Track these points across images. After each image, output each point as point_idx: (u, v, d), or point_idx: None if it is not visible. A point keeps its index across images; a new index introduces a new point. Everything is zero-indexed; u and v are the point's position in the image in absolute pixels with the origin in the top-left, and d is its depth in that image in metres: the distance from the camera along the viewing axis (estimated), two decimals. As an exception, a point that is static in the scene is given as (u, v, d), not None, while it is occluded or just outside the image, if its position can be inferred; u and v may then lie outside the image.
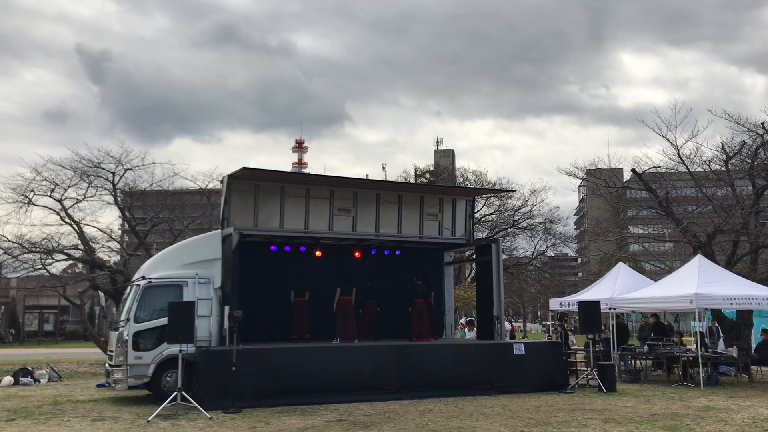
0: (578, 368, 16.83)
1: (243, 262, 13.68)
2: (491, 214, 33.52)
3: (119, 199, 22.15)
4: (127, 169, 21.50)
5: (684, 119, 41.61)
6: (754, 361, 17.13)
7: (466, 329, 20.67)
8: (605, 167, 24.54)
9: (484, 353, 14.13)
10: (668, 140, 20.48)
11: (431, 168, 45.64)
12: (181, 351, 11.67)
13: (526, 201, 32.85)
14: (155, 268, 13.27)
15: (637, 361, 17.40)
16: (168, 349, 12.35)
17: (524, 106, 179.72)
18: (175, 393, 11.48)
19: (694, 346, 16.40)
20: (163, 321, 12.18)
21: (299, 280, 14.82)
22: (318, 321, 14.87)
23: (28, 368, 17.36)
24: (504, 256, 35.25)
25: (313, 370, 12.46)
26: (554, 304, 19.58)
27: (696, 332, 16.57)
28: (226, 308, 12.71)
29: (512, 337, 20.11)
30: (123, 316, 12.81)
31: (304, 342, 14.20)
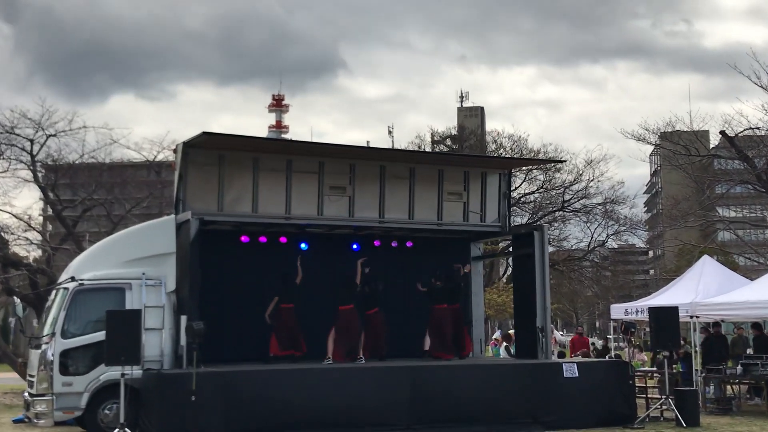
0: (649, 396, 16.88)
1: (205, 258, 13.73)
2: (533, 192, 33.56)
3: (39, 175, 22.38)
4: (50, 136, 21.68)
5: (792, 64, 41.12)
6: None
7: (501, 346, 20.73)
8: (685, 129, 24.51)
9: (525, 377, 14.22)
10: (770, 93, 20.69)
11: (453, 132, 45.65)
12: (123, 375, 11.79)
13: (580, 175, 32.82)
14: (89, 266, 13.37)
15: (729, 387, 17.57)
16: (106, 373, 12.43)
17: (577, 47, 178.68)
18: (117, 431, 11.60)
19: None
20: (100, 336, 12.24)
21: (285, 284, 14.84)
22: (304, 336, 14.95)
23: None
24: (551, 249, 35.24)
25: (299, 400, 12.53)
26: (617, 311, 19.63)
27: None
28: (183, 318, 12.87)
29: (561, 355, 20.18)
30: (47, 330, 12.90)
31: (288, 363, 14.33)
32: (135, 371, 12.01)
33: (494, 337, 23.78)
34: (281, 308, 14.80)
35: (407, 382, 13.32)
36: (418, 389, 13.31)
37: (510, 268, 38.51)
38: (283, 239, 15.62)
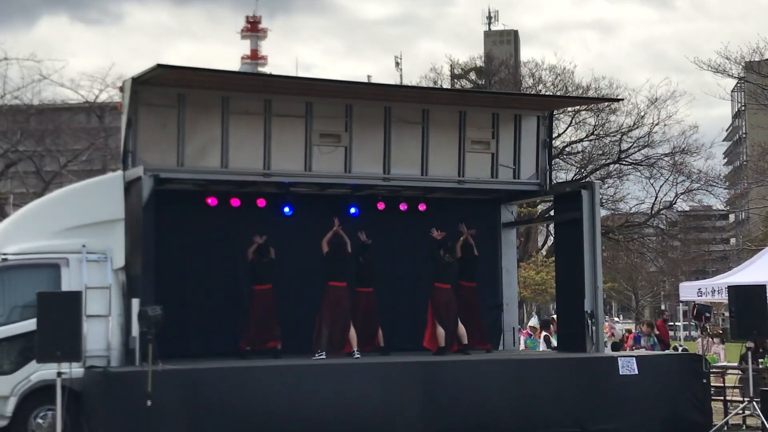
0: (729, 398, 16.93)
1: (162, 226, 13.88)
2: (582, 140, 33.48)
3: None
4: (-41, 70, 21.59)
5: None
6: None
7: (540, 336, 20.77)
8: (777, 58, 24.31)
9: (569, 375, 14.34)
10: None
11: (479, 63, 45.40)
12: (60, 375, 11.80)
13: (642, 117, 32.84)
14: (13, 236, 13.43)
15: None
16: (38, 372, 12.47)
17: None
18: (53, 444, 11.73)
19: None
20: (30, 325, 12.32)
21: (260, 257, 15.15)
22: (287, 323, 15.18)
23: None
24: (603, 212, 35.30)
25: (281, 403, 12.65)
26: (688, 290, 19.72)
27: None
28: (135, 303, 12.96)
29: (616, 347, 20.27)
30: (-40, 318, 12.92)
31: (266, 358, 14.46)
32: (74, 369, 12.02)
33: (529, 325, 23.79)
34: (256, 290, 15.09)
35: (419, 381, 13.44)
36: (432, 391, 13.42)
37: (551, 238, 38.68)
38: (261, 202, 15.74)
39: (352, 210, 16.30)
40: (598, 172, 33.12)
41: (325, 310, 14.83)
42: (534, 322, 25.13)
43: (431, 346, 15.45)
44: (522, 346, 20.07)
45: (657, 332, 20.69)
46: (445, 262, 15.74)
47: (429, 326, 15.59)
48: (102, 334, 13.04)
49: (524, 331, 20.43)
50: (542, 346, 20.23)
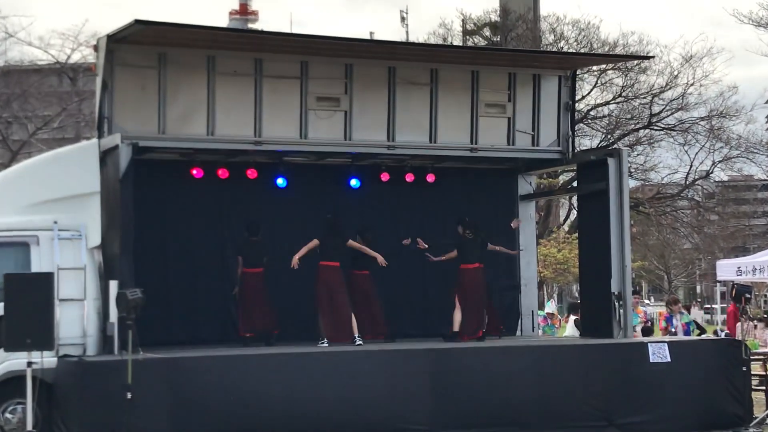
0: (771, 389, 16.86)
1: (142, 200, 13.92)
2: (608, 103, 33.32)
3: None
4: None
5: None
6: None
7: (569, 321, 20.70)
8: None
9: (594, 363, 14.40)
10: None
11: (494, 17, 45.17)
12: (30, 365, 11.84)
13: (675, 77, 32.73)
14: (-22, 211, 13.44)
15: None
16: (6, 362, 12.47)
17: None
18: (23, 440, 11.76)
19: None
20: (-3, 309, 12.31)
21: (250, 236, 15.35)
22: (283, 307, 15.37)
23: None
24: (633, 183, 35.15)
25: (276, 395, 12.70)
26: (726, 269, 19.84)
27: None
28: (113, 285, 13.02)
29: (646, 332, 20.28)
30: None
31: (260, 345, 14.62)
32: (46, 359, 12.05)
33: (546, 311, 23.66)
34: (245, 273, 15.24)
35: (427, 370, 13.53)
36: (441, 380, 13.50)
37: (574, 212, 38.68)
38: (251, 173, 15.73)
39: (353, 182, 16.31)
40: (626, 138, 33.04)
41: (318, 293, 14.93)
42: (550, 307, 25.02)
43: (467, 333, 15.57)
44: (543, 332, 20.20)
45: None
46: (466, 240, 15.80)
47: (458, 312, 15.66)
48: (76, 319, 13.06)
49: (540, 319, 20.43)
50: (570, 331, 20.17)
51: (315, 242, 14.86)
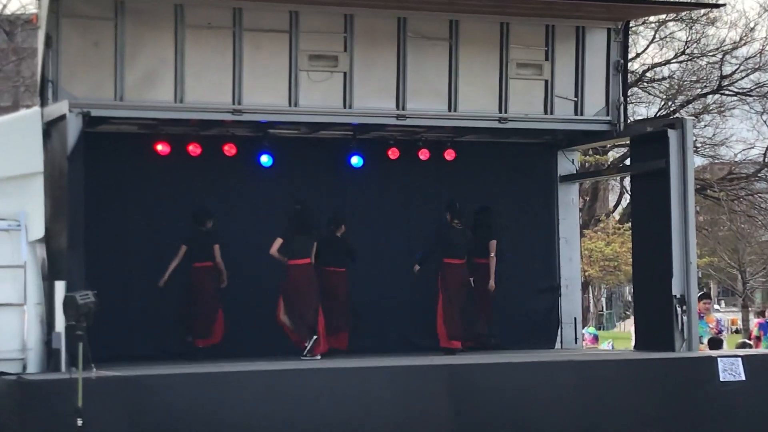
0: None
1: (95, 182, 13.95)
2: (669, 62, 32.88)
3: None
4: None
5: None
6: None
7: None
8: None
9: (650, 381, 14.27)
10: None
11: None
12: (-42, 384, 11.86)
13: (752, 30, 32.40)
14: None
15: None
16: (-73, 379, 12.40)
17: None
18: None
19: None
20: None
21: (196, 226, 15.44)
22: (268, 309, 15.26)
23: None
24: (699, 161, 34.78)
25: (256, 418, 12.61)
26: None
27: None
28: (60, 286, 12.87)
29: (715, 344, 19.56)
30: None
31: (231, 360, 14.47)
32: (-20, 377, 12.18)
33: (585, 331, 23.05)
34: (194, 268, 15.20)
35: (444, 391, 13.38)
36: (464, 403, 13.38)
37: (626, 196, 38.22)
38: (229, 149, 15.70)
39: (355, 160, 16.26)
40: (690, 105, 32.80)
41: (285, 296, 15.08)
42: (587, 332, 24.66)
43: (447, 343, 15.75)
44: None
45: None
46: (451, 230, 15.80)
47: (440, 317, 15.76)
48: (15, 329, 13.01)
49: (588, 338, 19.89)
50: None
51: (279, 241, 14.99)
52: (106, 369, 12.27)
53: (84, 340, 11.54)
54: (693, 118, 28.05)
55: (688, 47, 32.90)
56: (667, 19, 31.14)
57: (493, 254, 16.42)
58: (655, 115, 30.79)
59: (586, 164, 30.82)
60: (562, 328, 17.59)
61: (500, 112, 15.99)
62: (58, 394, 11.71)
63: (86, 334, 11.60)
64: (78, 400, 11.28)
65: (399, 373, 13.58)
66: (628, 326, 41.00)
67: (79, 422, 11.26)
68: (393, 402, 13.22)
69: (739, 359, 14.47)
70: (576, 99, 16.42)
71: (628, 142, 19.21)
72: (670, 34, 32.47)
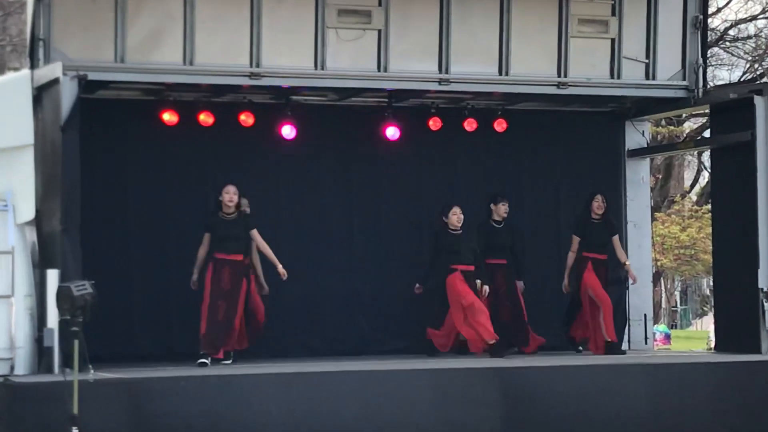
0: None
1: (93, 156, 13.98)
2: (756, 18, 33.39)
3: None
4: None
5: None
6: None
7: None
8: None
9: (734, 388, 14.22)
10: None
11: None
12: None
13: None
14: None
15: None
16: None
17: None
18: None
19: None
20: None
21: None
22: (288, 308, 15.59)
23: None
24: None
25: (270, 426, 12.70)
26: None
27: None
28: (52, 276, 12.95)
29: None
30: None
31: (252, 362, 14.55)
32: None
33: (657, 329, 22.93)
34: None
35: (498, 396, 13.47)
36: (515, 410, 13.47)
37: (705, 174, 38.05)
38: (246, 118, 15.67)
39: (390, 131, 16.17)
40: None
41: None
42: (663, 327, 24.55)
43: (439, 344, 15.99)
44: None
45: None
46: (447, 231, 15.74)
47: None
48: (2, 324, 13.06)
49: (660, 337, 19.82)
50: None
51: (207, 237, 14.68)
52: (105, 370, 12.41)
53: (80, 337, 11.58)
54: (787, 83, 27.96)
55: (776, 5, 33.24)
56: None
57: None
58: (739, 80, 30.60)
59: (659, 137, 30.69)
60: (630, 326, 17.54)
61: (559, 75, 15.98)
62: (51, 399, 11.75)
63: (82, 330, 11.64)
64: (73, 406, 11.35)
65: (431, 376, 13.71)
66: (706, 324, 40.73)
67: (75, 430, 11.29)
68: (421, 407, 13.26)
69: None
70: (647, 61, 16.37)
71: (707, 110, 19.20)
72: (754, -9, 32.38)
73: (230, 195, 14.33)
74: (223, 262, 14.66)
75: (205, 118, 15.36)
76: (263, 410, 12.74)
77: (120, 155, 15.32)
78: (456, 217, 15.78)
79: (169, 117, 15.22)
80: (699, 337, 36.26)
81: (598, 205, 15.90)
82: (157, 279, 15.56)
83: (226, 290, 14.63)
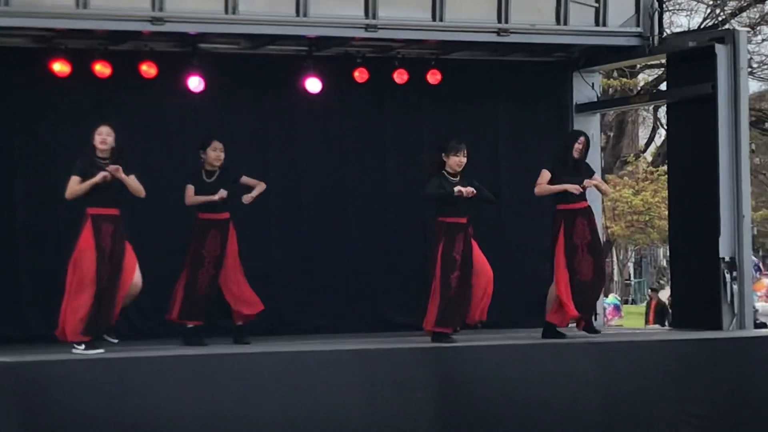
0: None
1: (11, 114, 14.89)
2: None
3: None
4: None
5: None
6: None
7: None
8: None
9: (692, 369, 14.38)
10: None
11: None
12: None
13: None
14: None
15: None
16: None
17: None
18: None
19: None
20: None
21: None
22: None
23: None
24: (754, 86, 34.94)
25: (176, 411, 12.76)
26: None
27: None
28: None
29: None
30: None
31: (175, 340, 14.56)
32: None
33: (606, 302, 23.02)
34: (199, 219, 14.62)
35: (429, 379, 13.67)
36: (447, 395, 13.74)
37: (661, 131, 38.34)
38: (148, 68, 15.70)
39: (311, 83, 16.17)
40: (744, 14, 32.58)
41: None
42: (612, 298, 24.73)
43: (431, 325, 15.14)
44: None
45: None
46: (444, 182, 14.81)
47: (435, 291, 14.98)
48: None
49: (609, 309, 19.82)
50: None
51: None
52: (14, 352, 12.65)
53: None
54: (748, 29, 27.80)
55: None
56: None
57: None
58: (699, 27, 30.92)
59: (610, 90, 30.93)
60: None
61: (499, 21, 15.86)
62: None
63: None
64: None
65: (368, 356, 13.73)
66: (664, 297, 41.54)
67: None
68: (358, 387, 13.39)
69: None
70: (597, 5, 16.23)
71: (663, 61, 19.60)
72: None
73: (102, 136, 13.93)
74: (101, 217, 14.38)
75: (102, 69, 15.23)
76: (170, 396, 12.72)
77: (4, 109, 15.19)
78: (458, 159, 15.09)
79: (60, 67, 15.08)
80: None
81: (580, 147, 15.51)
82: (49, 250, 15.41)
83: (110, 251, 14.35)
